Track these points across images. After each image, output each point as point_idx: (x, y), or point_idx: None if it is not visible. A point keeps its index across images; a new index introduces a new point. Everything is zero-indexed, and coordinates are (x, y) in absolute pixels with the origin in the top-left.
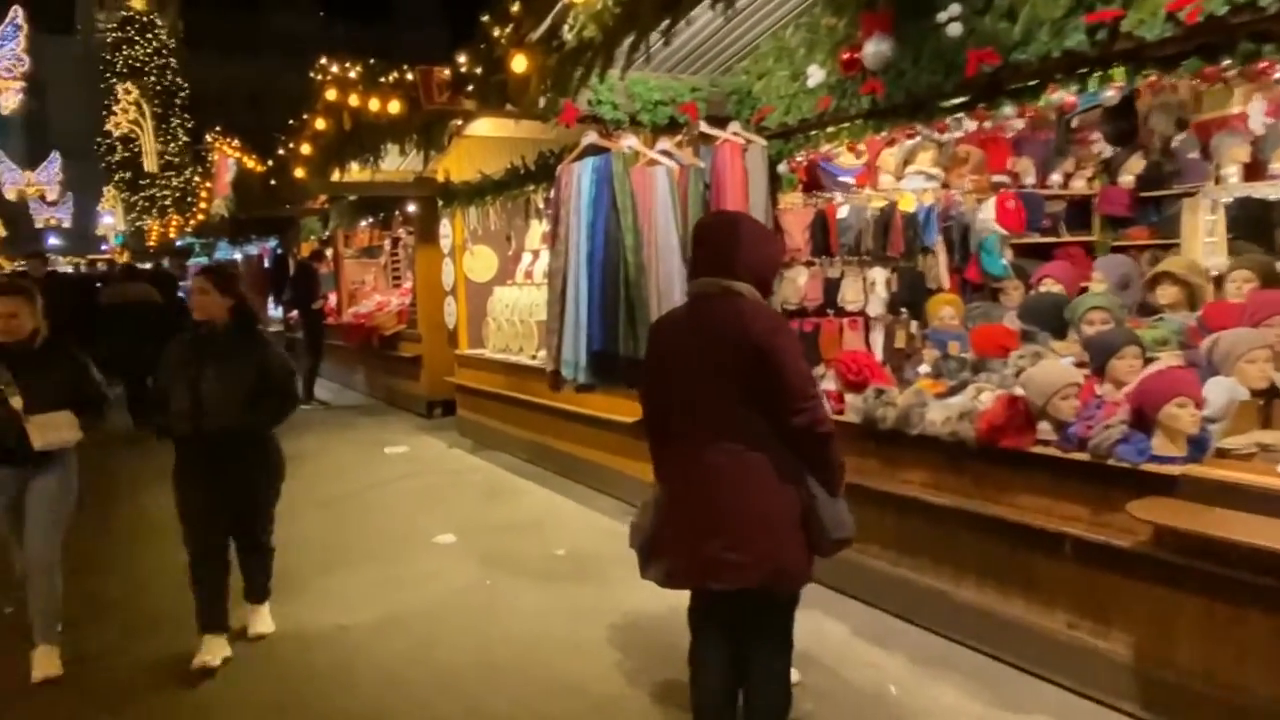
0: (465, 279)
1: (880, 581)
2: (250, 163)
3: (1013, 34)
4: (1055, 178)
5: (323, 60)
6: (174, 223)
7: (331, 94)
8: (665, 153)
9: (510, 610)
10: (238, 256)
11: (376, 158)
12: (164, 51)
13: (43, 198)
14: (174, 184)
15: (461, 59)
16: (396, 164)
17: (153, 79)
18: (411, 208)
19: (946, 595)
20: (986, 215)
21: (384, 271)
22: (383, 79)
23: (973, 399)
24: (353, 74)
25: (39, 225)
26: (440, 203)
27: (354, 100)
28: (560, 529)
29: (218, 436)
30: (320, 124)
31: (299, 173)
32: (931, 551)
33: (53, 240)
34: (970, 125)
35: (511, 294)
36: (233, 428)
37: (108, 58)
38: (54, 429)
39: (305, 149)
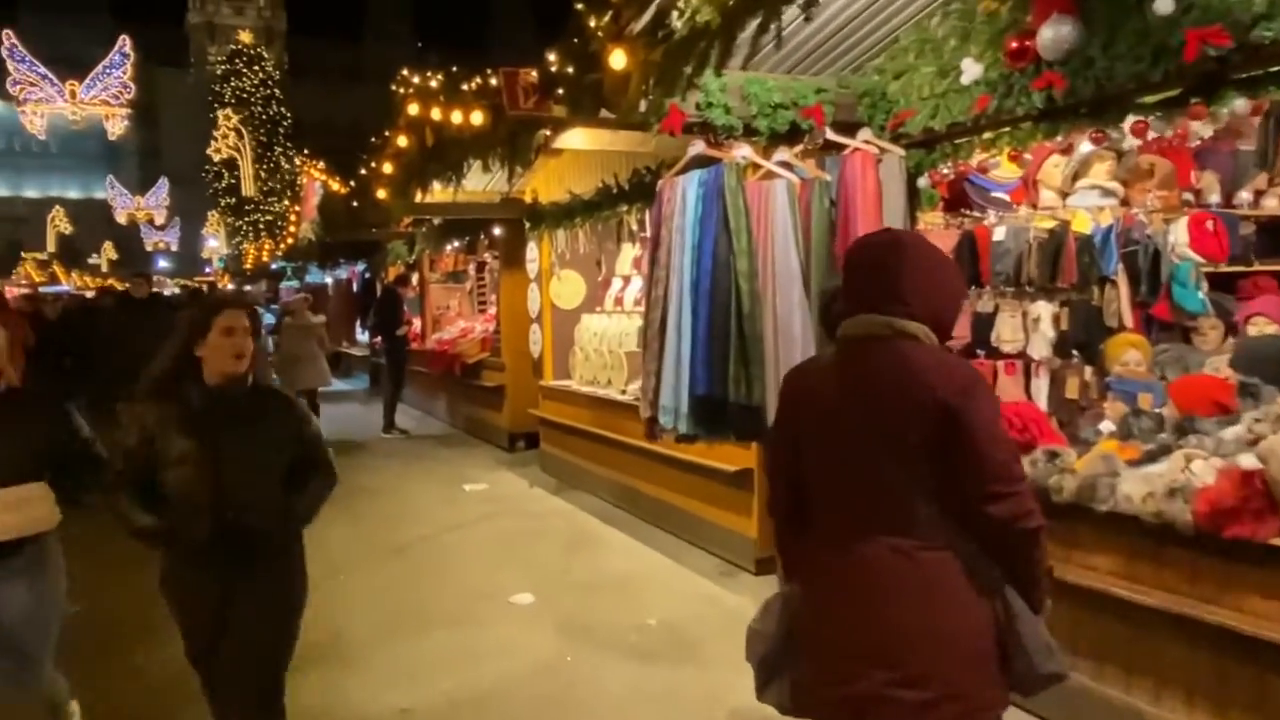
0: (551, 305)
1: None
2: (335, 185)
3: (1250, 6)
4: (1244, 195)
5: (404, 72)
6: (267, 247)
7: (414, 108)
8: (785, 164)
9: (594, 695)
10: (328, 280)
11: (459, 176)
12: (269, 83)
13: (151, 222)
14: (274, 209)
15: (551, 57)
16: (482, 184)
17: (258, 109)
18: (497, 231)
19: (1140, 714)
20: (1179, 239)
21: (469, 297)
22: (465, 85)
23: (1182, 470)
24: (434, 83)
25: (149, 248)
26: (527, 225)
27: (435, 113)
28: (651, 591)
29: (245, 536)
30: (402, 141)
31: (380, 194)
32: (1121, 657)
33: (162, 263)
34: (1167, 128)
35: (600, 322)
36: (267, 523)
37: (216, 89)
38: (13, 508)
39: (387, 168)
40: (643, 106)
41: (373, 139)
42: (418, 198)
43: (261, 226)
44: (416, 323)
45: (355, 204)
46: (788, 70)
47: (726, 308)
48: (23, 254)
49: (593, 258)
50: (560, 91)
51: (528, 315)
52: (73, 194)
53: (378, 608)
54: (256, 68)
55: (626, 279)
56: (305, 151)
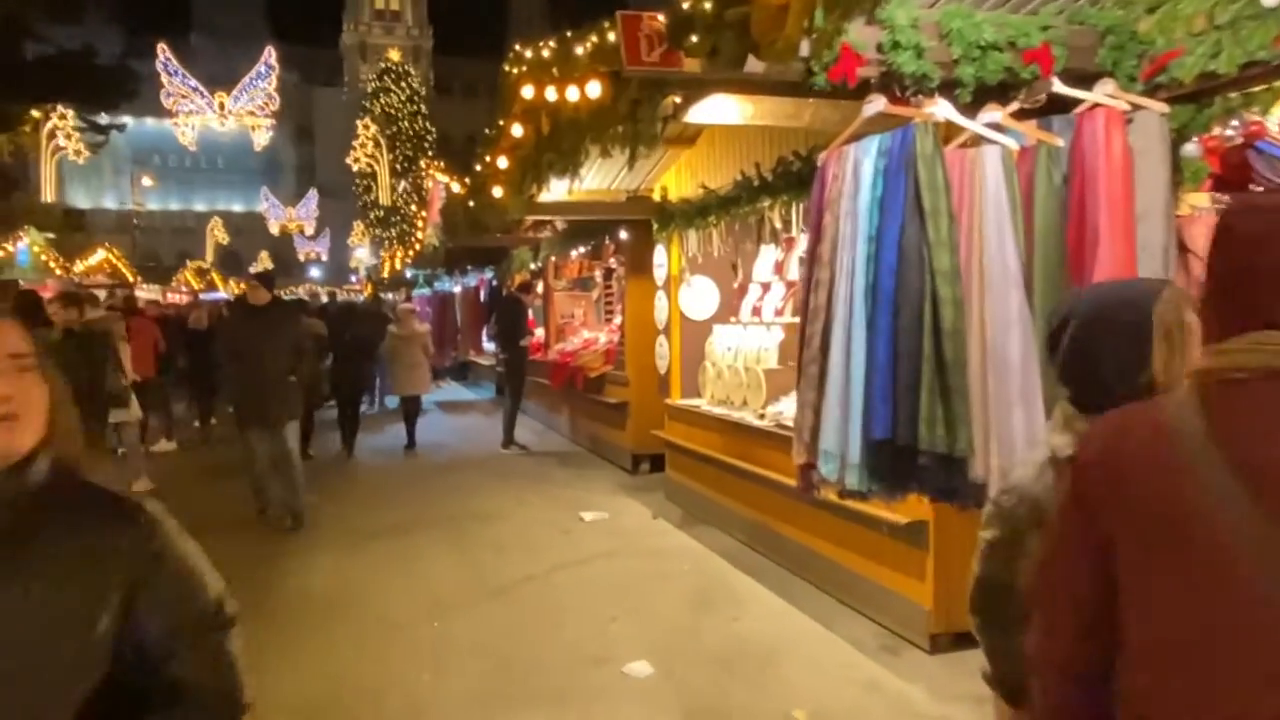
0: (680, 316)
1: None
2: (456, 184)
3: None
4: None
5: (516, 48)
6: (398, 255)
7: (527, 90)
8: (996, 126)
9: None
10: (456, 289)
11: (575, 166)
12: (415, 98)
13: (301, 232)
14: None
15: None
16: (606, 180)
17: (404, 124)
18: (623, 235)
19: None
20: None
21: (595, 305)
22: (579, 48)
23: None
24: (546, 53)
25: (301, 258)
26: (654, 226)
27: (550, 93)
28: (797, 668)
29: None
30: (516, 130)
31: (496, 191)
32: None
33: (314, 272)
34: None
35: (735, 335)
36: None
37: (366, 105)
38: None
39: (502, 162)
40: (804, 49)
41: (486, 130)
42: (536, 196)
43: (395, 235)
44: (539, 332)
45: (472, 204)
46: (1001, 5)
47: (918, 320)
48: (187, 262)
49: (728, 261)
50: (694, 40)
51: (654, 326)
52: (236, 207)
53: (470, 667)
54: (403, 84)
55: (766, 286)
56: (429, 153)
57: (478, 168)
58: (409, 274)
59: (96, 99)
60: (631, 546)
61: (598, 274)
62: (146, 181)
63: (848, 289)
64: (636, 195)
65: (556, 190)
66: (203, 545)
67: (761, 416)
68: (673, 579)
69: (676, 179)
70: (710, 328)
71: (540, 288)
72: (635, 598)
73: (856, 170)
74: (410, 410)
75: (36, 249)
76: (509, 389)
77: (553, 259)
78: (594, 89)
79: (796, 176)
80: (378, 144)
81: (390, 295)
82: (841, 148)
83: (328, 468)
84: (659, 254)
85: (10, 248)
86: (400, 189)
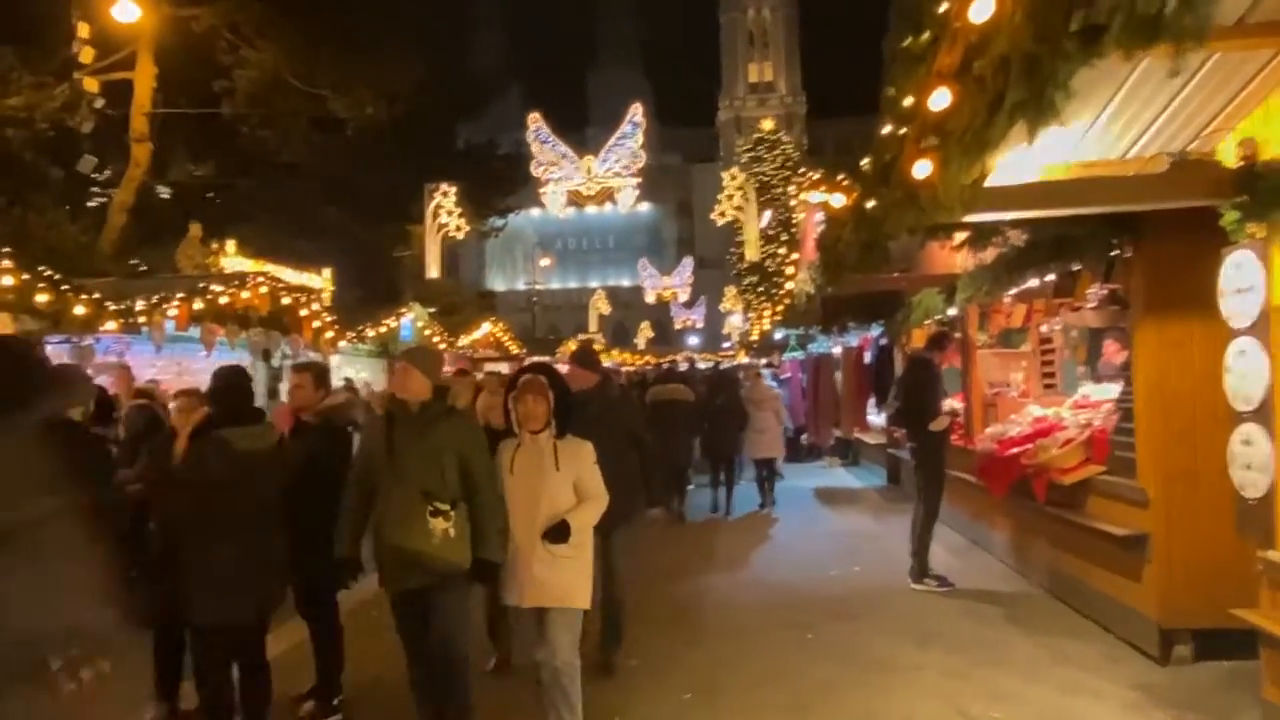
0: None
1: None
2: (839, 195)
3: None
4: None
5: None
6: (765, 313)
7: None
8: None
9: None
10: (835, 350)
11: (1053, 102)
12: (788, 164)
13: (676, 299)
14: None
15: None
16: (1118, 146)
17: (778, 190)
18: (1120, 251)
19: None
20: None
21: (1035, 368)
22: None
23: None
24: None
25: (678, 326)
26: (1231, 214)
27: None
28: None
29: None
30: (947, 64)
31: (920, 169)
32: None
33: (691, 340)
34: None
35: None
36: None
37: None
38: None
39: (939, 100)
40: None
41: (891, 90)
42: (988, 171)
43: (762, 291)
44: (950, 404)
45: (869, 206)
46: None
47: None
48: (578, 337)
49: None
50: None
51: (1210, 403)
52: (625, 282)
53: None
54: (776, 152)
55: None
56: (801, 171)
57: (882, 157)
58: (778, 334)
59: (494, 185)
60: None
61: (1048, 322)
62: (545, 262)
63: None
64: (1184, 161)
65: (1016, 170)
66: None
67: None
68: None
69: (1272, 124)
70: None
71: (957, 341)
72: None
73: None
74: (765, 474)
75: (420, 323)
76: (922, 495)
77: (975, 301)
78: None
79: None
80: (745, 195)
81: (748, 359)
82: None
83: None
84: (1238, 268)
85: (393, 323)
86: (765, 222)
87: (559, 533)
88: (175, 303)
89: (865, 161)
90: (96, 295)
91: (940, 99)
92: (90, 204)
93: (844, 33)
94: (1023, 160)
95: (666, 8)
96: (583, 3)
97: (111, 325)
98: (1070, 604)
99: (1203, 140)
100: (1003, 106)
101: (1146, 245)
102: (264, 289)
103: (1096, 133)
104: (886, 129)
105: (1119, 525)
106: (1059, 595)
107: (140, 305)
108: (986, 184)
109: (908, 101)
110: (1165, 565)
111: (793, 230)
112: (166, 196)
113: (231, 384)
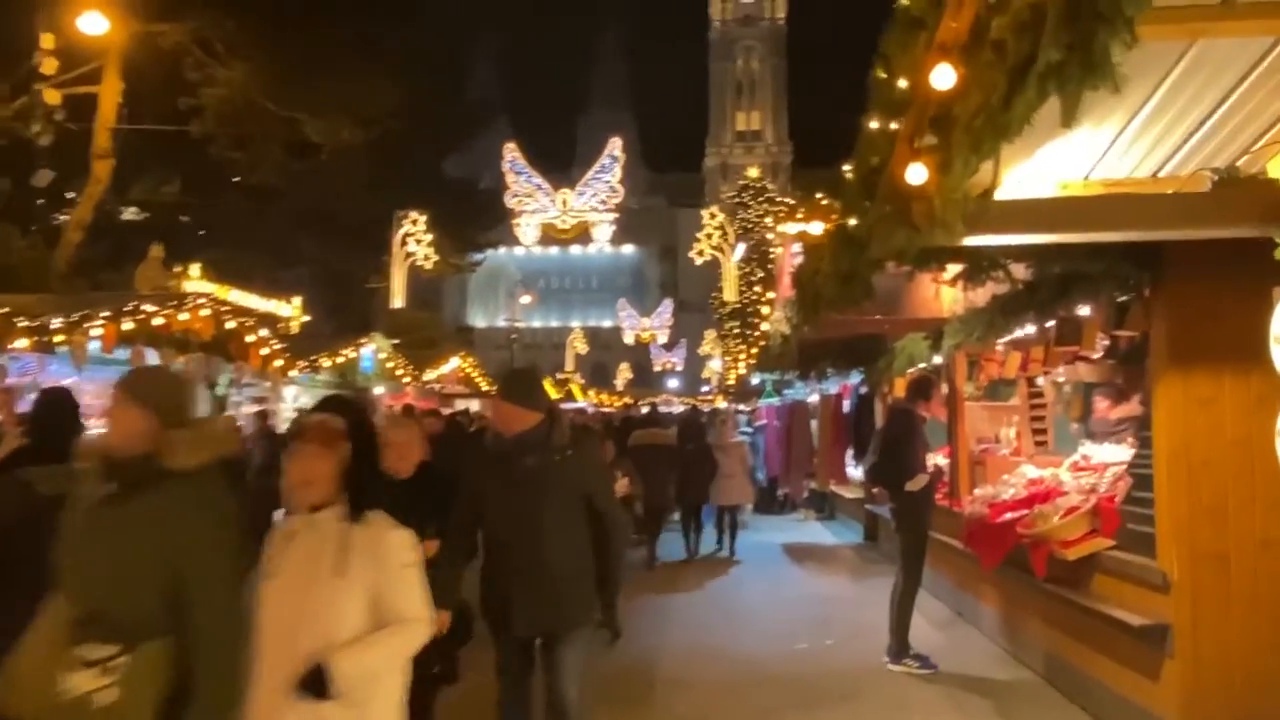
0: None
1: None
2: (818, 223)
3: None
4: None
5: None
6: (741, 356)
7: None
8: None
9: None
10: (813, 398)
11: (1106, 56)
12: (772, 213)
13: (655, 341)
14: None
15: None
16: (1148, 162)
17: (756, 238)
18: (1135, 292)
19: None
20: None
21: (1025, 423)
22: None
23: None
24: None
25: (657, 369)
26: None
27: None
28: None
29: None
30: (953, 33)
31: (914, 174)
32: None
33: (671, 383)
34: None
35: None
36: None
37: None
38: None
39: (942, 79)
40: None
41: (881, 73)
42: (997, 181)
43: (739, 333)
44: (934, 460)
45: (850, 225)
46: None
47: None
48: (556, 376)
49: None
50: None
51: (1245, 472)
52: (606, 323)
53: None
54: (761, 200)
55: None
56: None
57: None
58: (755, 379)
59: (473, 220)
60: None
61: (1053, 372)
62: (526, 299)
63: None
64: (1228, 180)
65: (1026, 188)
66: None
67: None
68: None
69: None
70: None
71: (942, 393)
72: None
73: None
74: (729, 521)
75: (383, 355)
76: (903, 563)
77: (963, 348)
78: None
79: None
80: (723, 232)
81: (725, 404)
82: None
83: None
84: None
85: (352, 354)
86: (740, 255)
87: (315, 684)
88: (99, 322)
89: (847, 167)
90: (5, 310)
91: (944, 76)
92: (54, 222)
93: (831, 85)
94: (1034, 176)
95: (658, 55)
96: (578, 46)
97: (22, 343)
98: (1069, 695)
99: (1252, 157)
100: (1030, 72)
101: (1171, 283)
102: (205, 311)
103: (1124, 143)
104: (874, 123)
105: (1133, 612)
106: (1056, 684)
107: (57, 323)
108: (994, 198)
109: (902, 83)
110: (1191, 663)
111: (769, 267)
112: (131, 218)
113: (50, 410)
